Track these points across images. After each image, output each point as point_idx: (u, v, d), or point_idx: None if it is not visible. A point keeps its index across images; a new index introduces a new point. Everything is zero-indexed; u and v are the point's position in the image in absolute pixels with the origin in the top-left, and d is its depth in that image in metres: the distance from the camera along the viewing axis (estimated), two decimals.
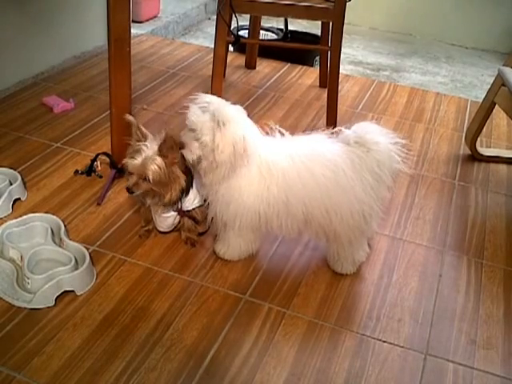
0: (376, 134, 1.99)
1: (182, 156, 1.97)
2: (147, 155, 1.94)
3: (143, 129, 2.00)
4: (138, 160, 1.94)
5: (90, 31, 3.73)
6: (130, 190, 2.00)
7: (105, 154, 2.56)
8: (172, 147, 1.94)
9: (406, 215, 2.51)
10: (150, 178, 1.94)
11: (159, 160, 1.94)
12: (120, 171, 2.49)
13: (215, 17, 3.01)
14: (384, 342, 1.89)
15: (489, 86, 2.89)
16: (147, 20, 4.73)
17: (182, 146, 1.96)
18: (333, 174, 1.91)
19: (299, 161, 1.93)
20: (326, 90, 3.17)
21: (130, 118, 2.02)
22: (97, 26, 3.63)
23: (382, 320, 1.97)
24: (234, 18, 3.01)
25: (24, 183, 2.43)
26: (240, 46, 3.86)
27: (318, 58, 3.89)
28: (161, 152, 1.94)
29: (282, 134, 2.03)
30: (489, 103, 2.85)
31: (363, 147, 1.96)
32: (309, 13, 2.96)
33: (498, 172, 2.92)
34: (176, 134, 1.97)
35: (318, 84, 3.69)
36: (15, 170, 2.47)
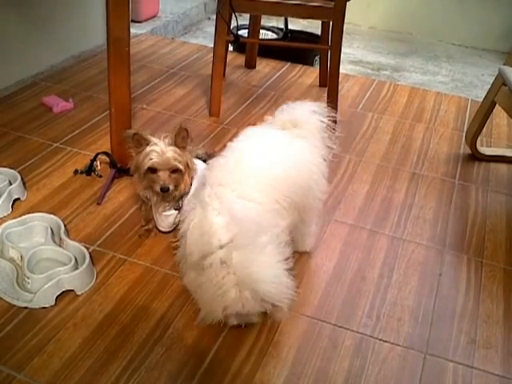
0: (306, 114, 2.05)
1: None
2: (163, 150, 2.02)
3: (144, 134, 2.05)
4: (159, 157, 2.02)
5: (90, 31, 3.73)
6: (165, 188, 2.03)
7: (104, 153, 2.57)
8: (184, 137, 2.05)
9: (406, 214, 2.51)
10: (180, 166, 2.04)
11: (177, 150, 2.04)
12: (120, 171, 2.51)
13: (215, 16, 3.03)
14: (384, 341, 1.89)
15: (489, 86, 2.89)
16: (147, 19, 4.74)
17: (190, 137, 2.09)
18: (288, 163, 1.94)
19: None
20: (326, 89, 3.19)
21: (128, 131, 2.09)
22: (96, 26, 3.62)
23: (381, 319, 1.97)
24: (233, 18, 3.01)
25: (24, 183, 2.43)
26: (240, 45, 3.86)
27: (318, 57, 3.90)
28: (176, 142, 2.04)
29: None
30: (489, 102, 2.85)
31: (298, 128, 2.02)
32: (309, 12, 2.97)
33: (498, 171, 2.93)
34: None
35: (318, 83, 3.69)
36: (15, 169, 2.48)
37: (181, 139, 2.05)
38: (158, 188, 2.03)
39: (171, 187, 2.04)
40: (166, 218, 2.17)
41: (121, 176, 2.52)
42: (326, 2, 2.92)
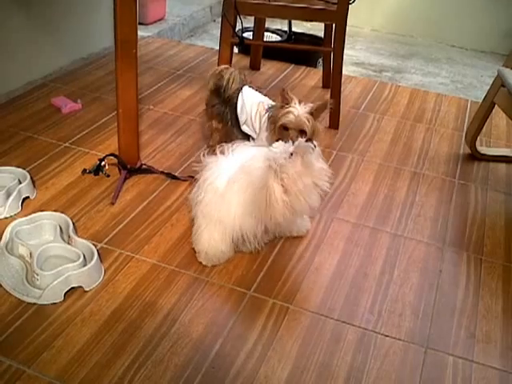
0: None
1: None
2: (299, 114, 2.31)
3: (290, 93, 2.34)
4: (294, 117, 2.31)
5: (98, 33, 3.74)
6: (293, 141, 2.12)
7: (113, 155, 2.57)
8: (321, 110, 2.34)
9: (407, 212, 2.53)
10: (308, 130, 2.31)
11: (310, 117, 2.31)
12: (131, 171, 2.53)
13: (220, 19, 3.03)
14: (385, 336, 1.90)
15: (488, 87, 2.90)
16: (154, 22, 4.75)
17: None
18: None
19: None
20: (329, 90, 3.20)
21: (282, 89, 2.37)
22: (104, 29, 3.64)
23: (383, 315, 1.99)
24: (238, 20, 3.02)
25: (33, 182, 2.44)
26: (245, 47, 3.89)
27: (321, 59, 3.90)
28: (312, 110, 2.31)
29: None
30: (488, 103, 2.86)
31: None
32: (312, 15, 2.98)
33: (497, 171, 2.94)
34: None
35: (321, 85, 3.71)
36: (24, 169, 2.49)
37: (319, 110, 2.33)
38: (286, 141, 2.16)
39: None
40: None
41: (130, 176, 2.54)
42: (329, 4, 2.93)
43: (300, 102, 2.33)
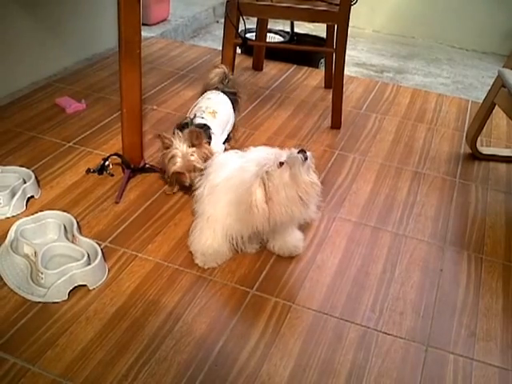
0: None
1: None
2: (183, 153, 2.31)
3: (167, 136, 2.34)
4: (180, 161, 2.31)
5: (102, 34, 3.75)
6: (191, 187, 2.24)
7: (117, 155, 2.58)
8: (197, 136, 2.32)
9: (408, 212, 2.54)
10: (199, 166, 2.31)
11: (195, 150, 2.32)
12: (134, 171, 2.55)
13: (223, 20, 3.05)
14: (387, 334, 1.91)
15: (489, 88, 2.91)
16: (157, 23, 4.77)
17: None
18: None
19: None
20: (331, 91, 3.19)
21: (158, 134, 2.39)
22: (108, 29, 3.64)
23: (384, 313, 1.99)
24: (241, 21, 3.03)
25: (37, 181, 2.45)
26: (247, 48, 3.91)
27: (323, 59, 3.89)
28: (192, 143, 2.31)
29: None
30: (489, 104, 2.87)
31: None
32: (314, 16, 2.99)
33: (497, 170, 2.94)
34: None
35: (323, 85, 3.72)
36: (29, 168, 2.49)
37: (195, 139, 2.31)
38: (186, 184, 2.31)
39: (195, 181, 2.23)
40: None
41: (134, 175, 2.55)
42: (331, 6, 2.93)
43: (177, 137, 2.34)
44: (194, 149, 2.32)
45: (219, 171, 2.10)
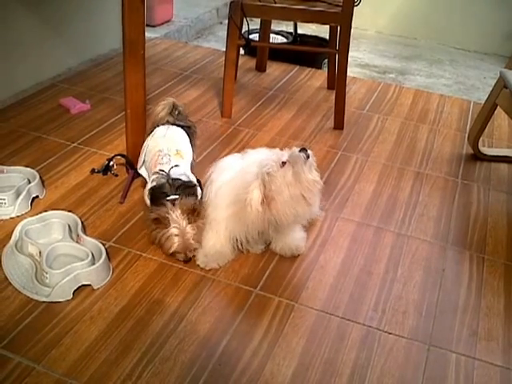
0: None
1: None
2: (182, 231, 2.07)
3: (165, 216, 2.08)
4: (179, 240, 2.08)
5: (106, 35, 3.76)
6: (189, 260, 2.14)
7: (121, 155, 2.59)
8: (194, 209, 2.10)
9: (410, 212, 2.54)
10: (196, 246, 2.13)
11: (191, 227, 2.09)
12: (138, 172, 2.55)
13: (227, 21, 3.06)
14: (389, 333, 1.92)
15: (491, 88, 2.91)
16: (161, 24, 4.77)
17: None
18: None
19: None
20: (334, 91, 3.20)
21: (155, 218, 2.12)
22: (112, 30, 3.65)
23: (387, 312, 2.00)
24: (244, 22, 3.04)
25: (42, 181, 2.46)
26: (251, 49, 3.90)
27: (326, 60, 3.89)
28: (189, 220, 2.09)
29: None
30: (490, 105, 2.87)
31: None
32: (317, 17, 3.01)
33: (499, 171, 2.95)
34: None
35: (326, 86, 3.73)
36: (33, 168, 2.50)
37: (189, 213, 2.09)
38: (180, 260, 2.15)
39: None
40: None
41: (138, 176, 2.54)
42: (334, 7, 2.95)
43: (172, 213, 2.08)
44: (191, 226, 2.09)
45: (222, 175, 2.12)
